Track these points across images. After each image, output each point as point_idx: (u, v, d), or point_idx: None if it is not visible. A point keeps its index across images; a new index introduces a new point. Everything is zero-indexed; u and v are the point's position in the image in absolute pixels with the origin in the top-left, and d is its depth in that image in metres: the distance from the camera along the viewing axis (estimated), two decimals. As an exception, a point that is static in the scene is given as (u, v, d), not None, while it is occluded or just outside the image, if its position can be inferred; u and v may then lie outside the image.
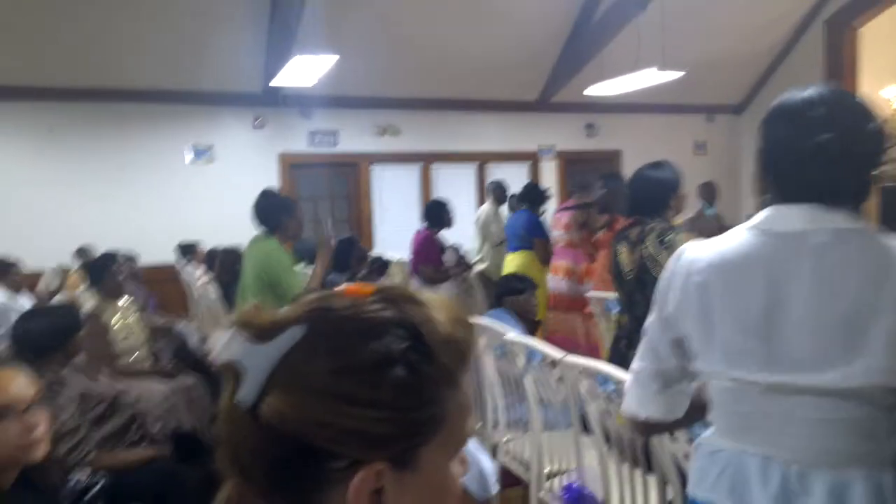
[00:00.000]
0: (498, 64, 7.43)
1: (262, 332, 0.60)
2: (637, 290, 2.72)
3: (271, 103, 7.20)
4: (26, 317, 2.78)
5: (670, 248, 2.50)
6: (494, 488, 1.73)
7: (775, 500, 1.18)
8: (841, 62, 7.81)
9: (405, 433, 0.59)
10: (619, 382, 2.18)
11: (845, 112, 1.17)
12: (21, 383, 1.67)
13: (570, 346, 3.24)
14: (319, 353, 0.58)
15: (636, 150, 8.17)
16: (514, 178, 7.50)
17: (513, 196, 6.57)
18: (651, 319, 1.35)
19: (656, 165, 2.80)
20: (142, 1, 5.84)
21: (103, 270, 3.95)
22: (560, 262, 4.98)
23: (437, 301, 0.64)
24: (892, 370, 1.08)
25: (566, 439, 2.66)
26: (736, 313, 1.19)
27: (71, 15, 5.80)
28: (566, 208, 5.13)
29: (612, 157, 8.79)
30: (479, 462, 1.72)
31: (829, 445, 1.15)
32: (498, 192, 6.62)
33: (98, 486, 1.90)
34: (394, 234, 7.73)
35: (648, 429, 1.42)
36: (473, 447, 1.68)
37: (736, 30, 7.67)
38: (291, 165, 7.52)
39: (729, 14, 7.34)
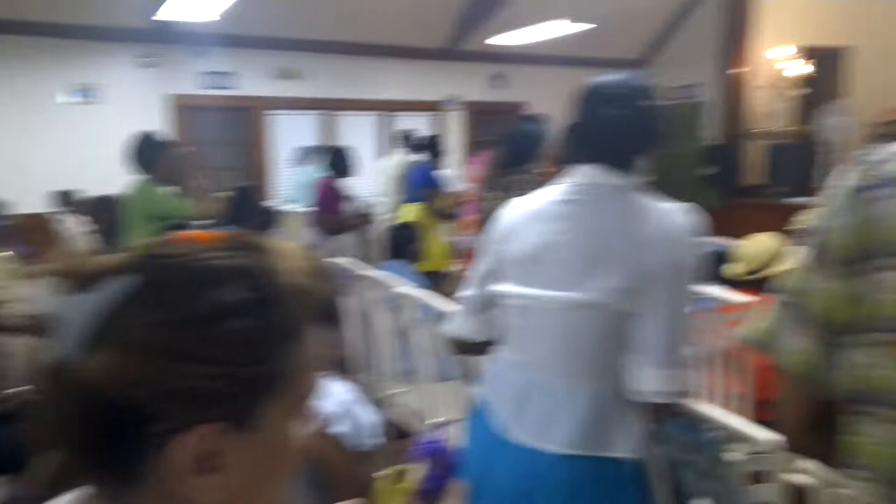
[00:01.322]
0: (406, 9, 7.20)
1: (85, 282, 0.54)
2: None
3: (160, 40, 6.70)
4: None
5: None
6: (376, 440, 1.69)
7: (518, 400, 1.49)
8: (742, 17, 8.01)
9: (241, 391, 0.55)
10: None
11: (635, 96, 1.45)
12: None
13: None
14: (148, 305, 0.53)
15: (543, 102, 8.16)
16: (419, 128, 7.37)
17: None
18: (478, 258, 1.65)
19: (531, 119, 3.12)
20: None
21: None
22: (472, 218, 4.87)
23: (290, 250, 0.60)
24: (616, 290, 1.37)
25: (454, 390, 2.66)
26: (522, 247, 1.50)
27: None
28: (474, 162, 5.06)
29: (519, 109, 8.77)
30: (359, 414, 1.68)
31: (567, 355, 1.44)
32: (409, 142, 6.45)
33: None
34: (291, 183, 7.46)
35: (461, 347, 1.73)
36: (353, 398, 1.65)
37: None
38: (183, 108, 7.09)
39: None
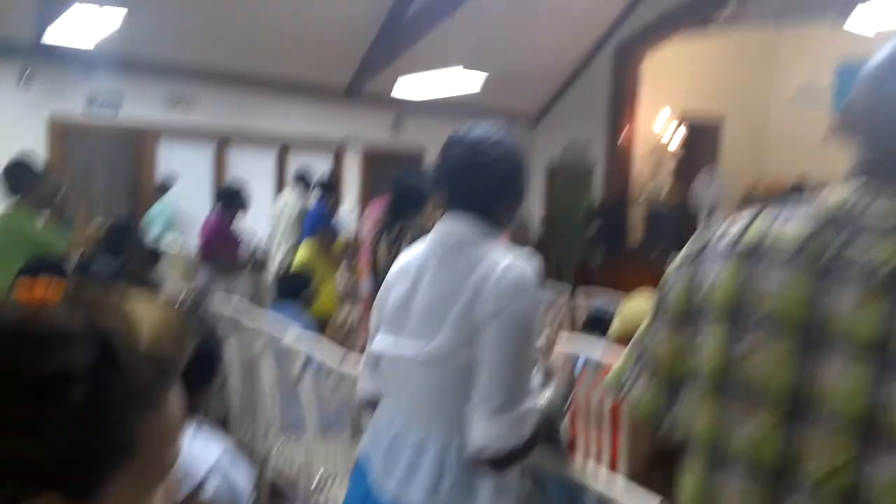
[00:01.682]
0: (309, 43, 7.16)
1: None
2: None
3: (44, 57, 6.31)
4: None
5: None
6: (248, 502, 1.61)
7: (388, 452, 1.50)
8: (625, 85, 8.54)
9: (81, 463, 0.51)
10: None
11: (494, 149, 1.50)
12: None
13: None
14: None
15: (439, 150, 8.32)
16: (317, 168, 7.31)
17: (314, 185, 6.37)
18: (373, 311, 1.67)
19: (415, 171, 3.28)
20: None
21: None
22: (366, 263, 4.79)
23: (144, 308, 0.56)
24: (453, 342, 1.40)
25: (340, 443, 2.60)
26: (393, 299, 1.53)
27: None
28: (374, 206, 5.00)
29: (417, 155, 8.89)
30: (234, 477, 1.59)
31: (423, 407, 1.47)
32: (302, 181, 6.35)
33: None
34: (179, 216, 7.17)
35: (368, 402, 1.70)
36: (229, 459, 1.56)
37: (537, 43, 8.09)
38: (64, 132, 6.69)
39: (532, 28, 7.72)
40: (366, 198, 7.87)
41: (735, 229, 0.95)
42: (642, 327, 1.06)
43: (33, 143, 6.40)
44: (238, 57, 7.07)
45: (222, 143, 7.58)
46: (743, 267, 0.90)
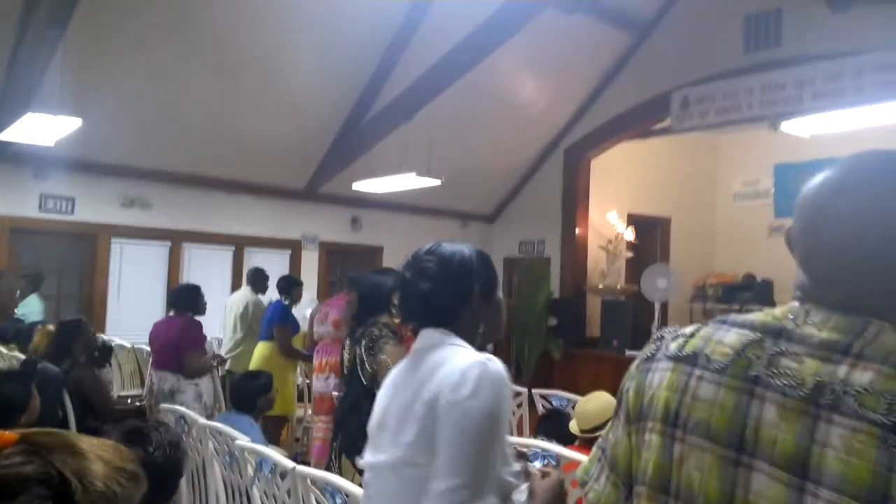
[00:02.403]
0: (267, 148, 7.32)
1: None
2: (351, 383, 2.95)
3: (-1, 158, 6.30)
4: None
5: (375, 355, 2.84)
6: None
7: None
8: (576, 185, 8.86)
9: None
10: (348, 495, 2.09)
11: (445, 261, 1.58)
12: None
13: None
14: None
15: (397, 247, 8.40)
16: (275, 266, 7.29)
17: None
18: None
19: (383, 271, 3.25)
20: None
21: None
22: (328, 359, 4.59)
23: (99, 448, 0.56)
24: (410, 444, 1.41)
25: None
26: (375, 413, 1.57)
27: None
28: (333, 304, 4.94)
29: (375, 252, 8.96)
30: None
31: None
32: (257, 280, 6.26)
33: None
34: (130, 316, 7.00)
35: None
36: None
37: (491, 148, 8.41)
38: (13, 230, 6.58)
39: (487, 133, 8.05)
40: (324, 294, 7.84)
41: (683, 334, 0.99)
42: (608, 425, 1.09)
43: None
44: (194, 161, 7.18)
45: (177, 243, 7.54)
46: (682, 373, 0.94)
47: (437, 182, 6.85)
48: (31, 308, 5.90)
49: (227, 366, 5.32)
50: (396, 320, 3.08)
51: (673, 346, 0.98)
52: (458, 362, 1.43)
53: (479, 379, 1.39)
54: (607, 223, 8.76)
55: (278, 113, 6.92)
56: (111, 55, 5.75)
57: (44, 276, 6.43)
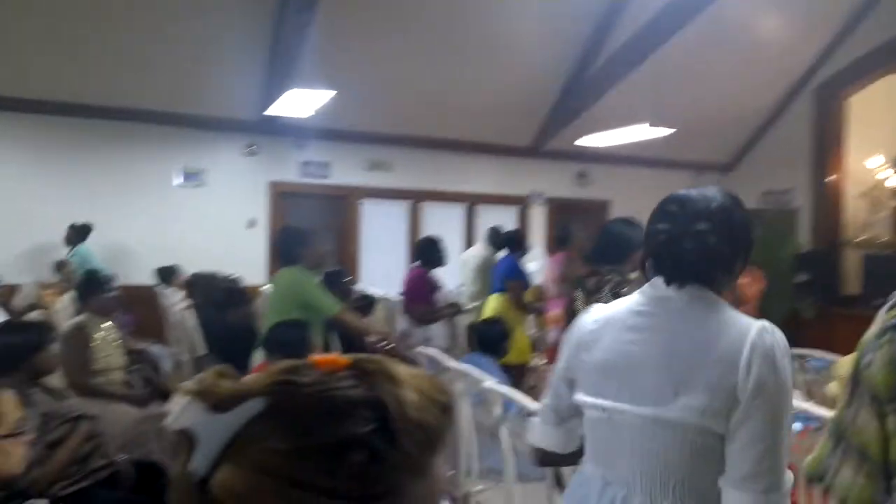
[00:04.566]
0: (494, 108, 7.52)
1: (219, 402, 0.56)
2: None
3: (265, 132, 7.21)
4: (-3, 332, 2.71)
5: None
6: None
7: None
8: (829, 127, 7.96)
9: None
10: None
11: (721, 209, 1.39)
12: (12, 404, 1.62)
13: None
14: (277, 431, 0.55)
15: (625, 202, 8.23)
16: (504, 222, 7.53)
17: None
18: (557, 365, 1.58)
19: (626, 221, 2.98)
20: (148, 23, 5.87)
21: (95, 288, 3.88)
22: (554, 313, 4.73)
23: (415, 379, 0.59)
24: (700, 410, 1.30)
25: (539, 492, 2.60)
26: (598, 356, 1.45)
27: (79, 32, 5.83)
28: (556, 259, 5.08)
29: (602, 207, 8.85)
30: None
31: (651, 475, 1.35)
32: (494, 237, 6.55)
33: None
34: (378, 270, 7.70)
35: (545, 458, 1.62)
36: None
37: (726, 92, 7.81)
38: (281, 194, 7.52)
39: (720, 76, 7.49)
40: (551, 250, 7.95)
41: None
42: (838, 408, 0.96)
43: (256, 205, 7.31)
44: (430, 124, 7.61)
45: (416, 202, 8.11)
46: None
47: (669, 132, 6.56)
48: (83, 256, 6.35)
49: (461, 314, 5.69)
50: (633, 274, 3.02)
51: None
52: (754, 328, 1.32)
53: (780, 348, 1.31)
54: (867, 169, 7.77)
55: (503, 72, 7.06)
56: (360, 33, 6.25)
57: (91, 227, 6.49)
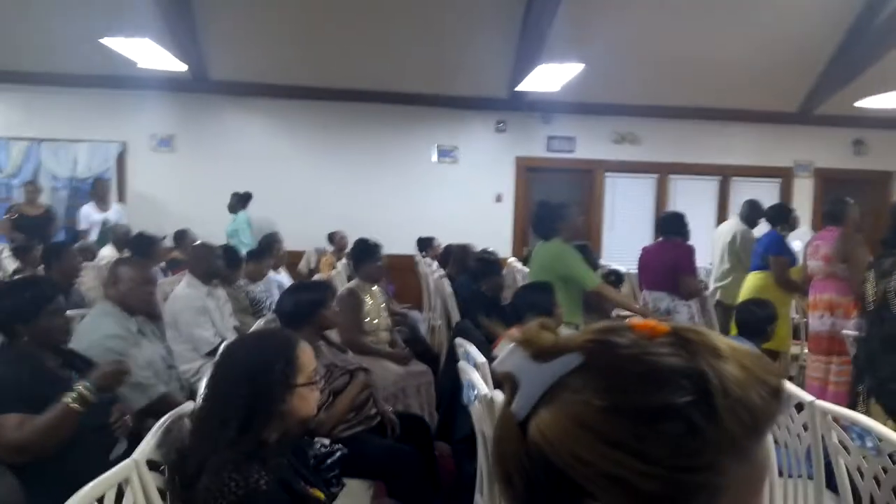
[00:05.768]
0: (754, 71, 6.91)
1: (541, 352, 0.59)
2: (875, 323, 2.58)
3: (513, 108, 7.39)
4: (289, 290, 3.12)
5: None
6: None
7: None
8: None
9: (671, 496, 0.53)
10: (881, 439, 1.94)
11: None
12: (310, 355, 1.88)
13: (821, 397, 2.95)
14: (592, 388, 0.56)
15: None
16: (763, 197, 6.94)
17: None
18: None
19: None
20: (409, 14, 6.28)
21: (367, 256, 4.27)
22: (821, 296, 4.36)
23: (740, 354, 0.57)
24: None
25: (803, 490, 2.42)
26: None
27: (351, 25, 6.42)
28: (825, 236, 4.55)
29: (882, 179, 7.77)
30: None
31: None
32: (752, 212, 6.03)
33: (337, 455, 2.07)
34: (621, 244, 7.57)
35: None
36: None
37: None
38: (527, 169, 7.67)
39: None
40: (818, 226, 7.17)
41: None
42: None
43: (503, 180, 7.57)
44: (680, 93, 7.24)
45: (663, 175, 7.81)
46: None
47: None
48: (240, 223, 6.67)
49: (717, 296, 5.37)
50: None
51: None
52: None
53: None
54: None
55: (767, 29, 6.43)
56: (608, 2, 6.11)
57: (251, 195, 6.80)
